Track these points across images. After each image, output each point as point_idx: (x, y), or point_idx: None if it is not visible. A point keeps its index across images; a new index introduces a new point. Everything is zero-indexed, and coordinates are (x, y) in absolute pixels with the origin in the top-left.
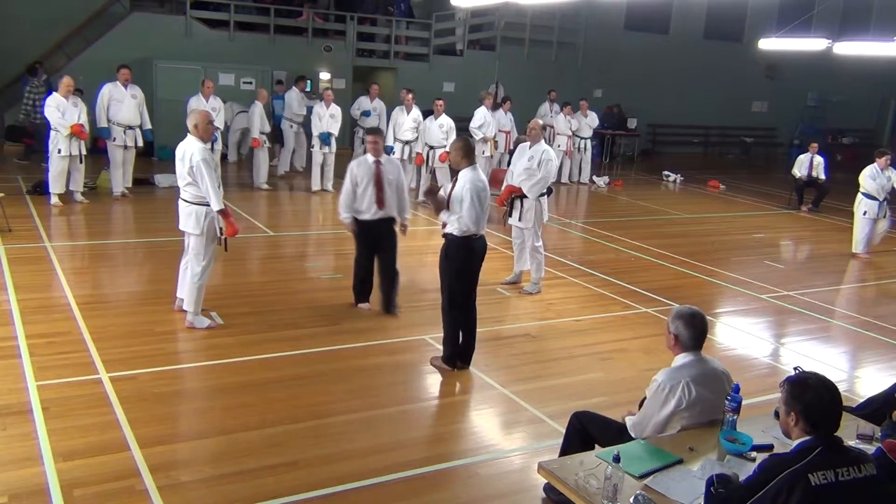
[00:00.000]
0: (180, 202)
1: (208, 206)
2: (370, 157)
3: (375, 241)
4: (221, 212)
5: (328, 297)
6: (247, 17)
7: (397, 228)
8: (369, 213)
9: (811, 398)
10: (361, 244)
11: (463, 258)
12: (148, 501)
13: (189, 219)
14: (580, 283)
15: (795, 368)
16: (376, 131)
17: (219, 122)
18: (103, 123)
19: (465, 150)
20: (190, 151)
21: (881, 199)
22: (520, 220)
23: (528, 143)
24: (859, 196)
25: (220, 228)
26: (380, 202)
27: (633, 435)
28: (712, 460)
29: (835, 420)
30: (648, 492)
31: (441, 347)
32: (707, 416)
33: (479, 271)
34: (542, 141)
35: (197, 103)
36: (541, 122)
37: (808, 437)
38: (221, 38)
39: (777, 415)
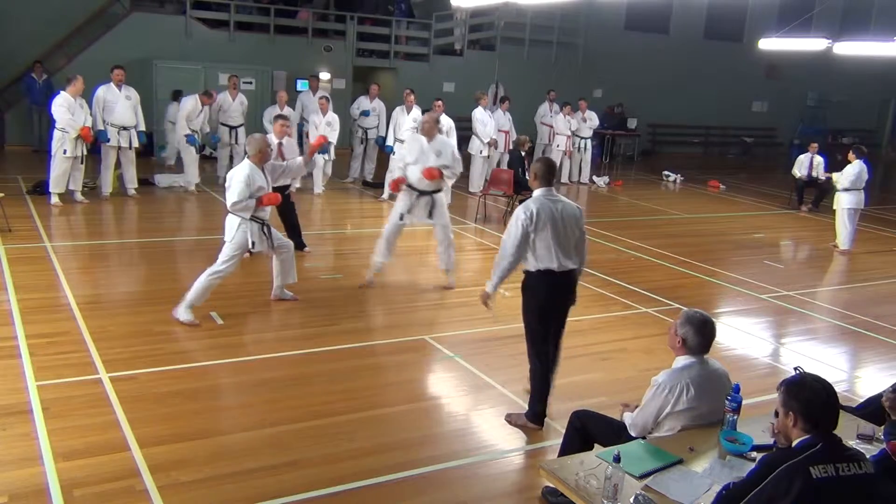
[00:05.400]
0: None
1: (241, 216)
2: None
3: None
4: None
5: (328, 297)
6: (247, 17)
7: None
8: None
9: (809, 396)
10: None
11: (535, 295)
12: (148, 501)
13: (228, 224)
14: (580, 282)
15: (796, 368)
16: (283, 116)
17: (201, 125)
18: (101, 126)
19: (537, 172)
20: (239, 169)
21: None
22: None
23: (426, 139)
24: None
25: (253, 242)
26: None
27: (632, 434)
28: (720, 462)
29: (833, 417)
30: (648, 492)
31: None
32: (708, 418)
33: (552, 313)
34: (438, 134)
35: (195, 104)
36: (437, 115)
37: (807, 436)
38: (221, 38)
39: (777, 414)
